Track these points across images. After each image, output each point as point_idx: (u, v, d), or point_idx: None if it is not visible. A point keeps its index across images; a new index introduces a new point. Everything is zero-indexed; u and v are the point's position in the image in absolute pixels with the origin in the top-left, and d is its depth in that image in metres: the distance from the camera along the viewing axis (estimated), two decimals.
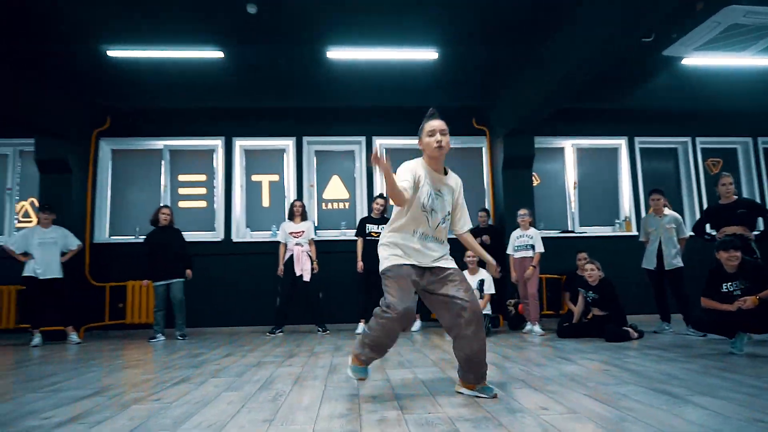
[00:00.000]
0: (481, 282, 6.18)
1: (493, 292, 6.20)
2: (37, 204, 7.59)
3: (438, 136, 2.72)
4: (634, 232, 7.95)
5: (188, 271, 6.50)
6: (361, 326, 6.61)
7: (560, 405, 2.47)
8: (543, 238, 6.26)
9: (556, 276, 7.39)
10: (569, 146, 8.24)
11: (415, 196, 2.68)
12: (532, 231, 6.34)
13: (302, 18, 5.28)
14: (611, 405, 2.44)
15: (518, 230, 6.43)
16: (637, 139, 8.24)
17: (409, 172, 2.69)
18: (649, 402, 2.49)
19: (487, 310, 6.13)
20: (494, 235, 7.17)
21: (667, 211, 6.05)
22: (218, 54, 5.71)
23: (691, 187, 8.22)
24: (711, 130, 8.34)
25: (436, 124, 2.76)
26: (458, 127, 7.97)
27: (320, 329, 6.68)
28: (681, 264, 5.83)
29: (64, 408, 2.68)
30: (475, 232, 7.19)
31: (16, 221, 7.59)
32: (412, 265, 2.70)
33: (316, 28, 5.42)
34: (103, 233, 7.56)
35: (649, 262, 6.01)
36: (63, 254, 6.34)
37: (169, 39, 5.49)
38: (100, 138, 7.56)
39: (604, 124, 8.15)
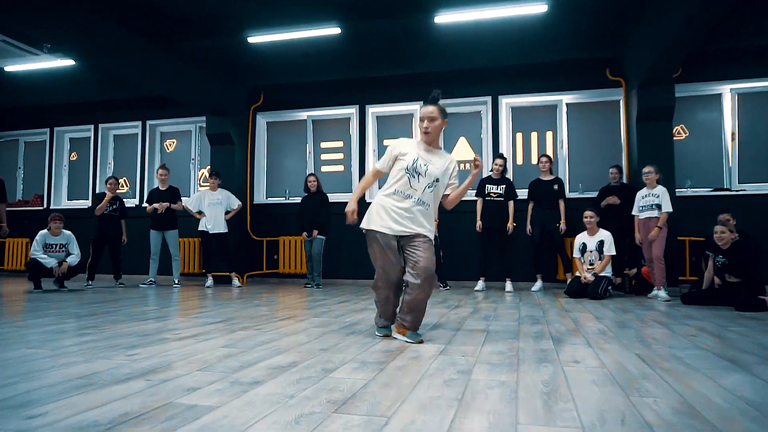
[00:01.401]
0: (601, 243, 5.97)
1: (614, 253, 5.95)
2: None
3: (425, 123, 3.01)
4: None
5: (314, 231, 7.26)
6: (480, 283, 6.82)
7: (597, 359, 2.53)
8: (692, 197, 5.73)
9: (702, 239, 6.69)
10: (727, 91, 7.21)
11: (396, 164, 3.03)
12: (658, 189, 5.87)
13: None
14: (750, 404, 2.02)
15: (644, 189, 6.00)
16: None
17: (388, 153, 3.09)
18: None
19: (607, 272, 5.90)
20: (626, 193, 6.73)
21: None
22: (336, 30, 6.24)
23: None
24: None
25: (425, 110, 3.02)
26: (591, 80, 7.51)
27: (441, 285, 7.06)
28: None
29: (193, 329, 3.49)
30: (606, 191, 6.83)
31: (198, 185, 9.21)
32: (392, 235, 2.98)
33: None
34: (261, 195, 8.81)
35: None
36: (227, 213, 7.62)
37: (296, 21, 6.18)
38: (257, 113, 8.73)
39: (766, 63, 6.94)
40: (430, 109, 3.04)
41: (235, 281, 7.55)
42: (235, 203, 7.68)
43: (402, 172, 3.00)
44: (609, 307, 4.90)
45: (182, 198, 7.79)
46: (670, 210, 5.73)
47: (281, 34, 6.41)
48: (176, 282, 7.54)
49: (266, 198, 8.86)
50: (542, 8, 5.71)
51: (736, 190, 7.06)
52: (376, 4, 5.83)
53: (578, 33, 6.64)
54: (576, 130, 7.73)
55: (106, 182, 7.57)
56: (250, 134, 8.65)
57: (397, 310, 3.17)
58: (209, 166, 8.64)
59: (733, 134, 7.18)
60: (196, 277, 8.56)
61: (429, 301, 3.15)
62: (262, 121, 8.87)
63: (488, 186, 6.85)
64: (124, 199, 7.96)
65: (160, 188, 7.67)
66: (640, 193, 6.02)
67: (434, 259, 3.01)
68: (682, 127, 7.31)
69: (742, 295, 4.70)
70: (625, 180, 7.04)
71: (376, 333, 3.23)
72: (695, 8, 5.03)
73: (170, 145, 9.51)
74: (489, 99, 7.83)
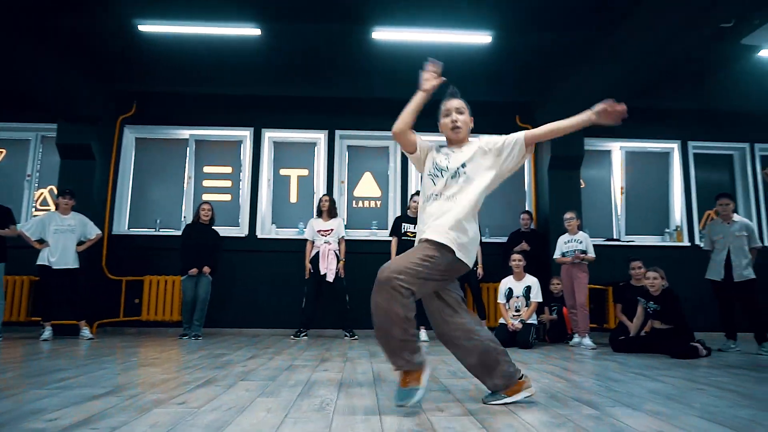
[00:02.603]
0: (528, 288, 5.69)
1: (540, 300, 5.70)
2: (56, 191, 7.28)
3: (454, 115, 2.51)
4: (686, 243, 7.41)
5: (205, 269, 6.07)
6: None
7: (678, 429, 1.97)
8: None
9: (600, 287, 6.85)
10: (617, 149, 7.72)
11: (424, 163, 2.55)
12: (581, 235, 5.84)
13: None
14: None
15: (566, 235, 5.93)
16: (690, 144, 7.68)
17: (425, 143, 2.58)
18: None
19: (533, 320, 5.61)
20: (536, 240, 6.67)
21: (736, 217, 5.51)
22: (255, 31, 5.30)
23: (748, 196, 7.63)
24: None
25: (452, 103, 2.53)
26: (500, 124, 7.48)
27: (347, 334, 6.21)
28: (753, 275, 5.27)
29: (72, 408, 2.24)
30: (517, 236, 6.71)
31: (33, 209, 7.27)
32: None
33: (363, 4, 4.98)
34: (123, 225, 7.20)
35: (715, 273, 5.45)
36: (80, 243, 5.99)
37: (205, 12, 5.10)
38: (125, 125, 7.23)
39: (655, 125, 7.61)
40: (458, 101, 2.53)
41: (86, 331, 5.86)
42: (93, 232, 6.08)
43: (427, 178, 2.50)
44: (553, 358, 4.53)
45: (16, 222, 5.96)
46: (594, 256, 5.70)
47: (184, 27, 5.26)
48: None
49: (128, 228, 7.25)
50: (486, 39, 5.47)
51: (625, 241, 7.43)
52: (306, 8, 5.05)
53: (502, 74, 6.56)
54: None
55: None
56: (115, 150, 7.09)
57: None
58: (53, 186, 6.87)
59: (621, 189, 7.63)
60: (21, 327, 6.55)
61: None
62: (130, 135, 7.36)
63: (405, 225, 6.29)
64: None
65: None
66: (562, 239, 5.93)
67: (404, 263, 2.21)
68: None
69: (677, 342, 4.65)
70: (533, 225, 7.01)
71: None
72: (618, 77, 5.29)
73: None
74: None
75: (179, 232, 7.05)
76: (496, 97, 7.13)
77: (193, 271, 6.02)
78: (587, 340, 5.51)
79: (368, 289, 6.88)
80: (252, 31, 5.32)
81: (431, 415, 2.18)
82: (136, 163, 7.40)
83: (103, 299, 6.73)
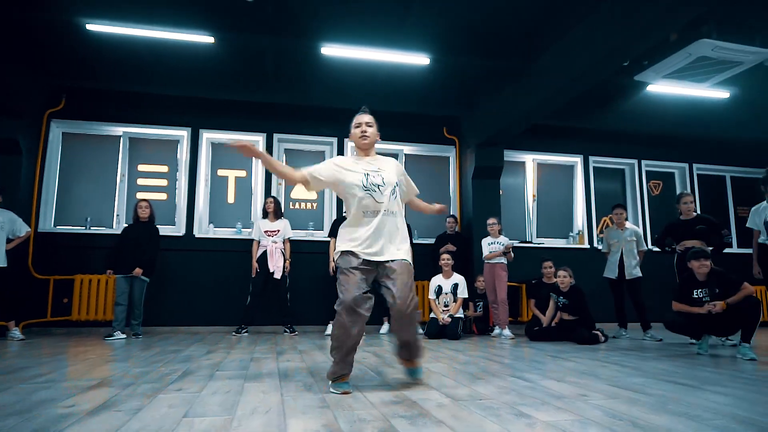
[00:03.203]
0: (455, 285, 6.31)
1: (466, 296, 6.34)
2: None
3: (363, 127, 2.91)
4: (586, 245, 8.45)
5: (137, 270, 6.02)
6: (330, 327, 6.50)
7: (592, 392, 2.57)
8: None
9: (515, 284, 7.66)
10: (530, 161, 8.62)
11: (344, 186, 2.81)
12: (502, 238, 6.55)
13: (303, 9, 5.20)
14: (642, 393, 2.58)
15: (489, 237, 6.62)
16: (591, 158, 8.77)
17: (330, 168, 2.87)
18: (671, 391, 2.66)
19: (460, 313, 6.25)
20: (461, 242, 7.33)
21: (628, 224, 6.48)
22: (209, 39, 5.46)
23: (636, 205, 8.85)
24: (656, 155, 9.04)
25: (364, 117, 2.94)
26: (428, 135, 8.13)
27: (287, 330, 6.51)
28: (640, 274, 6.25)
29: (81, 397, 2.45)
30: (443, 238, 7.33)
31: None
32: (364, 260, 2.72)
33: (314, 21, 5.33)
34: (49, 222, 6.97)
35: (611, 272, 6.39)
36: (9, 241, 5.79)
37: (160, 18, 5.18)
38: (52, 119, 7.00)
39: (563, 141, 8.61)
40: (368, 116, 2.96)
41: (16, 332, 5.69)
42: (23, 229, 5.90)
43: (357, 193, 2.77)
44: (481, 346, 5.16)
45: None
46: (512, 256, 6.45)
47: (136, 29, 5.27)
48: None
49: (54, 226, 7.02)
50: (425, 61, 6.02)
51: (536, 243, 8.34)
52: (262, 21, 5.29)
53: (434, 90, 7.16)
54: (412, 179, 8.17)
55: None
56: (42, 145, 6.85)
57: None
58: None
59: (533, 196, 8.55)
60: None
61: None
62: (57, 130, 7.12)
63: None
64: None
65: None
66: (485, 241, 6.61)
67: (410, 289, 2.73)
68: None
69: (582, 331, 5.47)
70: (458, 228, 7.68)
71: (332, 389, 2.62)
72: (535, 99, 6.03)
73: None
74: (335, 140, 7.79)
75: (111, 230, 6.97)
76: (428, 110, 7.72)
77: (109, 272, 6.00)
78: (507, 331, 6.23)
79: (307, 287, 7.25)
80: (205, 38, 5.47)
81: (405, 389, 2.65)
82: (64, 159, 7.16)
83: (29, 299, 6.50)
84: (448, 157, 8.30)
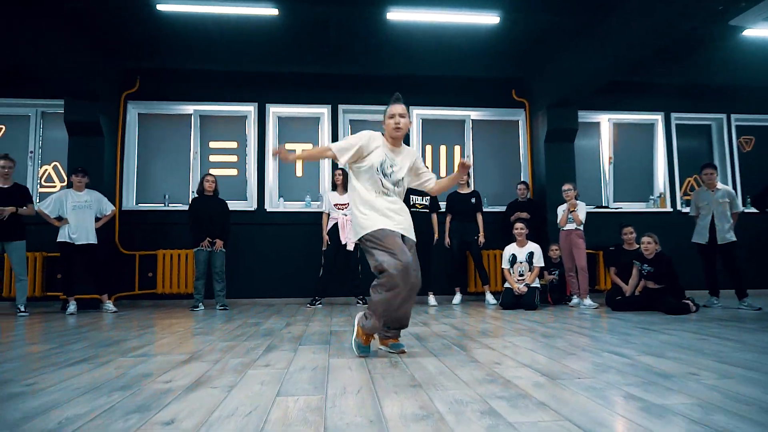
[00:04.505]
0: (531, 254, 6.10)
1: (542, 265, 6.13)
2: (60, 168, 7.32)
3: (397, 118, 2.95)
4: (668, 208, 7.93)
5: (218, 243, 6.26)
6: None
7: (702, 370, 2.37)
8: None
9: (591, 251, 7.33)
10: (605, 121, 8.12)
11: (363, 161, 2.95)
12: (578, 204, 6.25)
13: None
14: (758, 371, 2.36)
15: (565, 204, 6.33)
16: (673, 115, 8.14)
17: (357, 140, 2.97)
18: None
19: (536, 283, 6.05)
20: (534, 208, 7.06)
21: (720, 185, 5.99)
22: (273, 11, 5.40)
23: (725, 163, 8.17)
24: (747, 107, 8.27)
25: (398, 108, 2.98)
26: (496, 99, 7.80)
27: (360, 301, 6.56)
28: (734, 238, 5.79)
29: (176, 372, 2.52)
30: (514, 205, 7.09)
31: (39, 186, 7.29)
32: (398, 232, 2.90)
33: None
34: (131, 200, 7.30)
35: (700, 237, 5.96)
36: (97, 219, 6.12)
37: None
38: (128, 101, 7.25)
39: (641, 98, 8.03)
40: (402, 106, 3.00)
41: (109, 305, 6.05)
42: (108, 208, 6.21)
43: (372, 171, 2.95)
44: (561, 317, 4.97)
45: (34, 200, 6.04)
46: (583, 220, 6.13)
47: (203, 6, 5.30)
48: (22, 309, 5.73)
49: (136, 204, 7.36)
50: (494, 20, 5.71)
51: (613, 208, 7.91)
52: None
53: (501, 52, 6.81)
54: (480, 146, 7.94)
55: None
56: (121, 126, 7.13)
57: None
58: (57, 162, 6.93)
59: (609, 158, 8.07)
60: (44, 302, 6.70)
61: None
62: (133, 111, 7.39)
63: (412, 197, 6.59)
64: None
65: (1, 185, 5.82)
66: (561, 208, 6.33)
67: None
68: None
69: (670, 300, 5.15)
70: (530, 195, 7.40)
71: (354, 349, 2.95)
72: (610, 56, 5.58)
73: None
74: None
75: (188, 206, 7.22)
76: (496, 73, 7.39)
77: (205, 243, 6.20)
78: (588, 301, 5.98)
79: None
80: (269, 11, 5.41)
81: (495, 366, 2.55)
82: (141, 139, 7.45)
83: (119, 273, 6.89)
84: (518, 121, 7.96)
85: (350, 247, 6.38)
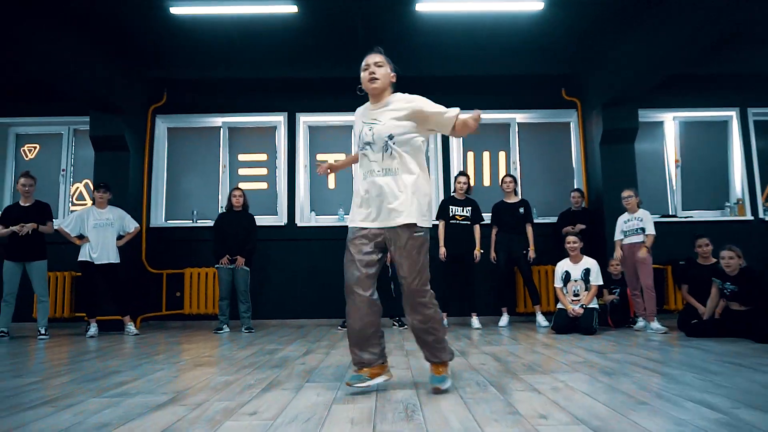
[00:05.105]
0: (587, 271, 5.37)
1: (601, 283, 5.38)
2: (91, 185, 7.19)
3: (372, 68, 2.51)
4: (748, 216, 6.95)
5: (240, 260, 5.85)
6: (443, 320, 5.87)
7: None
8: None
9: (658, 266, 6.46)
10: (670, 119, 7.26)
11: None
12: (641, 212, 5.49)
13: None
14: None
15: (625, 214, 5.58)
16: (750, 110, 7.17)
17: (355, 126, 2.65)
18: None
19: (594, 303, 5.30)
20: (590, 218, 6.32)
21: None
22: (291, 8, 5.01)
23: None
24: None
25: (372, 58, 2.54)
26: (543, 99, 7.10)
27: (396, 323, 5.99)
28: None
29: (138, 422, 2.05)
30: (568, 216, 6.38)
31: (70, 204, 7.19)
32: (368, 228, 2.50)
33: None
34: (160, 217, 7.07)
35: None
36: (120, 237, 5.86)
37: None
38: (156, 114, 7.06)
39: (711, 92, 7.12)
40: (378, 55, 2.54)
41: (131, 327, 5.74)
42: (131, 225, 5.95)
43: (359, 151, 2.55)
44: (622, 345, 4.22)
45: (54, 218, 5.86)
46: (654, 233, 5.34)
47: (216, 6, 4.98)
48: (43, 332, 5.51)
49: (165, 220, 7.11)
50: (538, 5, 5.08)
51: (682, 217, 7.01)
52: None
53: (546, 46, 6.16)
54: (527, 151, 7.25)
55: None
56: (149, 140, 6.93)
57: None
58: (88, 180, 6.77)
59: (676, 161, 7.19)
60: (67, 324, 6.51)
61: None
62: (162, 125, 7.19)
63: (452, 207, 6.00)
64: None
65: (22, 203, 5.67)
66: (621, 218, 5.59)
67: (420, 262, 2.45)
68: None
69: (762, 325, 4.28)
70: (584, 204, 6.64)
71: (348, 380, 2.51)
72: (671, 44, 4.86)
73: (30, 151, 7.37)
74: None
75: None
76: (541, 69, 6.74)
77: (224, 260, 5.82)
78: (656, 324, 5.18)
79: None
80: (288, 8, 5.02)
81: (532, 420, 1.92)
82: (170, 153, 7.23)
83: (146, 293, 6.63)
84: (569, 123, 7.22)
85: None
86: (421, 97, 2.54)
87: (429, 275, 2.49)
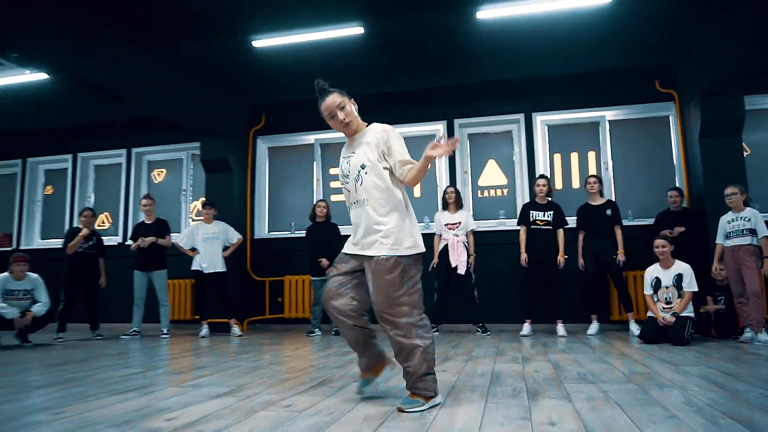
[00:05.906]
0: (679, 277, 4.98)
1: (696, 289, 4.94)
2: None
3: (339, 115, 2.46)
4: None
5: (323, 261, 6.14)
6: (526, 327, 5.78)
7: None
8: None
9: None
10: None
11: None
12: (748, 212, 4.95)
13: None
14: None
15: (729, 213, 5.08)
16: None
17: None
18: None
19: (689, 311, 4.89)
20: (690, 220, 5.81)
21: None
22: (358, 30, 5.32)
23: None
24: None
25: (329, 102, 2.46)
26: (635, 93, 6.68)
27: (479, 330, 5.99)
28: None
29: (192, 408, 2.40)
30: (666, 217, 5.92)
31: (190, 220, 8.15)
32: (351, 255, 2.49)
33: None
34: (263, 229, 7.76)
35: None
36: (225, 249, 6.56)
37: (307, 19, 5.22)
38: (257, 136, 7.78)
39: None
40: (334, 98, 2.46)
41: (235, 329, 6.41)
42: (234, 237, 6.63)
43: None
44: (710, 358, 3.87)
45: (172, 233, 6.73)
46: (767, 234, 4.81)
47: (291, 36, 5.44)
48: (165, 332, 6.39)
49: (268, 232, 7.80)
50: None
51: None
52: None
53: (630, 36, 5.81)
54: (620, 149, 6.85)
55: (81, 214, 6.51)
56: (251, 160, 7.67)
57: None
58: (202, 198, 7.63)
59: None
60: (187, 324, 7.39)
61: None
62: (263, 146, 7.91)
63: (533, 212, 5.89)
64: (105, 237, 6.89)
65: (146, 221, 6.60)
66: (724, 218, 5.10)
67: (390, 293, 2.33)
68: (743, 145, 6.46)
69: None
70: (685, 204, 6.13)
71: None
72: None
73: (159, 175, 8.49)
74: (522, 117, 6.95)
75: None
76: (630, 61, 6.36)
77: (323, 262, 6.15)
78: (763, 335, 4.65)
79: (497, 283, 6.56)
80: (355, 30, 5.33)
81: (538, 426, 1.95)
82: (270, 171, 7.92)
83: (251, 299, 7.31)
84: (667, 117, 6.70)
85: (461, 270, 5.88)
86: (396, 132, 2.47)
87: (410, 305, 2.36)
